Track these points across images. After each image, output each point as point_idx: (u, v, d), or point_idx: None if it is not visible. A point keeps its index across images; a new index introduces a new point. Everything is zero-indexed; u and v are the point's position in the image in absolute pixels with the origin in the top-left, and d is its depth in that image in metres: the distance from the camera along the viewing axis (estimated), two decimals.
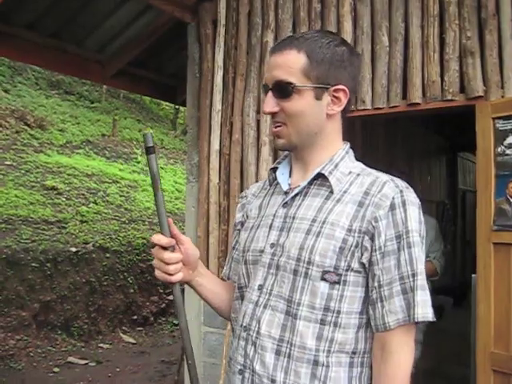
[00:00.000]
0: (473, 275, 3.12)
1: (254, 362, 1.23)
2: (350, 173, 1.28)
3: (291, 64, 1.23)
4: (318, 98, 1.25)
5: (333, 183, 1.25)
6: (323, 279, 1.18)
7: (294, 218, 1.26)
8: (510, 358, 2.76)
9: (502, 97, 2.92)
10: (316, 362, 1.18)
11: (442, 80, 3.11)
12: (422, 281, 1.16)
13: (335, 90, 1.26)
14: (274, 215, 1.30)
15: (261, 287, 1.27)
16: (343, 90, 1.27)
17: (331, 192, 1.25)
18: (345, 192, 1.24)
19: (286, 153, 1.42)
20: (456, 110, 3.20)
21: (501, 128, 2.88)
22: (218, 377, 3.70)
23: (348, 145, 1.35)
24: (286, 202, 1.30)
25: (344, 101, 1.28)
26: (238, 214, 1.49)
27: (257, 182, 3.69)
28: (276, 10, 3.74)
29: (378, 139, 5.43)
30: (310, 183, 1.29)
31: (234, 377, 1.29)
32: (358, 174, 1.28)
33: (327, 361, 1.18)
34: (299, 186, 1.30)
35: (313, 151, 1.30)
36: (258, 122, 3.79)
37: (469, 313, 3.21)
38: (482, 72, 2.99)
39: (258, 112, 3.80)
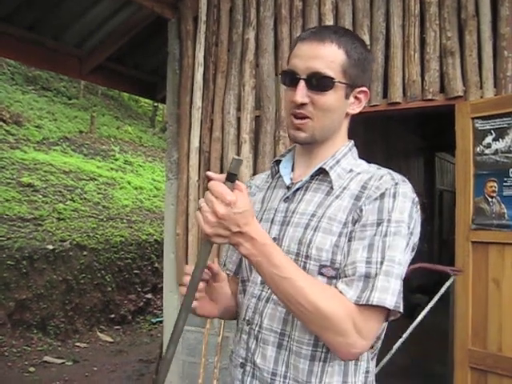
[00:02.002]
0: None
1: (255, 355, 1.24)
2: (351, 171, 1.27)
3: (333, 58, 1.21)
4: (347, 96, 1.26)
5: (333, 178, 1.25)
6: (320, 273, 1.17)
7: (294, 212, 1.25)
8: (486, 355, 2.80)
9: (481, 97, 2.95)
10: (313, 357, 1.18)
11: (423, 79, 3.13)
12: (390, 268, 1.11)
13: (359, 92, 1.28)
14: (276, 210, 1.30)
15: (263, 281, 1.24)
16: (365, 92, 1.29)
17: (331, 188, 1.25)
18: (344, 188, 1.23)
19: (290, 147, 1.41)
20: (436, 109, 3.23)
21: (480, 128, 2.91)
22: (197, 375, 3.68)
23: (352, 142, 1.35)
24: (288, 197, 1.29)
25: (364, 102, 1.30)
26: None
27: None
28: (257, 8, 3.73)
29: (357, 138, 5.45)
30: (312, 178, 1.28)
31: (235, 370, 1.30)
32: (359, 173, 1.27)
33: (324, 356, 1.18)
34: (301, 180, 1.29)
35: (323, 147, 1.30)
36: (239, 120, 3.78)
37: (446, 311, 3.24)
38: (461, 72, 3.02)
39: (238, 109, 3.78)
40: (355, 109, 1.30)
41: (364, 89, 1.29)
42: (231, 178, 1.05)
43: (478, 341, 2.87)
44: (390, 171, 1.25)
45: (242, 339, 1.29)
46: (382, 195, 1.16)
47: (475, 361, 2.85)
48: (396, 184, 1.19)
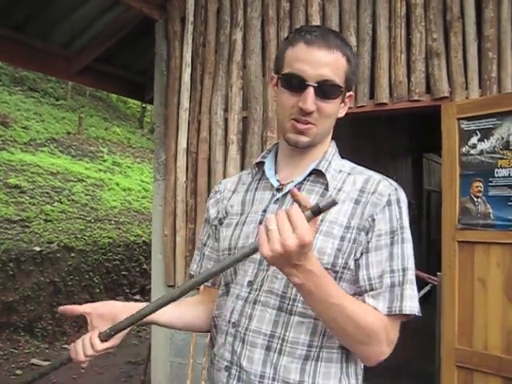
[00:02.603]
0: (438, 273, 3.17)
1: (241, 358, 1.21)
2: (341, 171, 1.29)
3: (340, 67, 1.20)
4: (342, 101, 1.28)
5: (329, 180, 1.25)
6: None
7: None
8: (473, 353, 2.82)
9: (467, 98, 2.98)
10: (307, 357, 1.18)
11: (409, 80, 3.15)
12: (411, 276, 1.18)
13: (348, 96, 1.30)
14: (266, 211, 1.28)
15: (251, 283, 1.24)
16: (351, 96, 1.31)
17: (326, 189, 1.25)
18: (339, 190, 1.24)
19: (269, 148, 1.40)
20: (422, 110, 3.25)
21: (465, 128, 2.94)
22: (186, 376, 3.67)
23: (334, 142, 1.37)
24: (278, 199, 1.27)
25: (348, 105, 1.32)
26: (211, 210, 1.44)
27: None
28: (245, 8, 3.74)
29: (345, 139, 5.49)
30: (304, 179, 1.28)
31: (219, 374, 1.27)
32: (349, 173, 1.28)
33: (318, 356, 1.18)
34: (292, 181, 1.28)
35: (315, 148, 1.30)
36: (226, 121, 3.78)
37: (434, 310, 3.26)
38: (447, 73, 3.05)
39: (225, 110, 3.78)
40: (342, 112, 1.31)
41: (352, 93, 1.31)
42: (316, 213, 0.97)
43: (464, 339, 2.89)
44: (383, 176, 1.27)
45: (226, 342, 1.26)
46: (389, 202, 1.20)
47: (461, 359, 2.88)
48: (396, 190, 1.23)
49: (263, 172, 1.35)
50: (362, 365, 1.29)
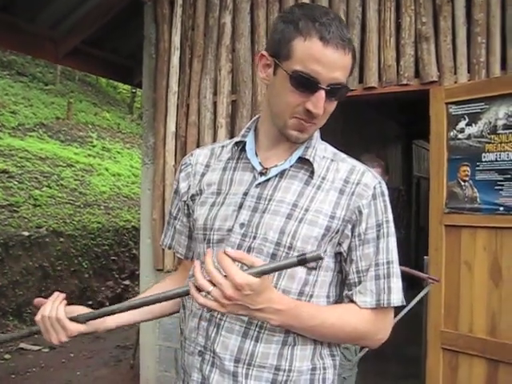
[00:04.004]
0: (425, 257, 3.19)
1: (214, 344, 1.19)
2: (324, 157, 1.27)
3: (349, 66, 1.17)
4: None
5: (315, 168, 1.23)
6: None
7: (270, 199, 1.21)
8: (458, 336, 2.85)
9: (455, 82, 2.98)
10: (285, 343, 1.18)
11: (398, 64, 3.14)
12: (396, 269, 1.21)
13: None
14: (246, 194, 1.24)
15: None
16: None
17: (310, 176, 1.23)
18: (323, 178, 1.23)
19: (248, 124, 1.35)
20: (411, 94, 3.25)
21: (453, 113, 2.94)
22: (174, 360, 3.69)
23: None
24: (260, 182, 1.24)
25: None
26: (182, 183, 1.39)
27: None
28: None
29: (335, 125, 5.47)
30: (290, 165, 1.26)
31: (191, 358, 1.25)
32: (332, 160, 1.27)
33: (295, 340, 1.19)
34: (276, 165, 1.25)
35: None
36: (215, 104, 3.76)
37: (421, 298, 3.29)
38: (436, 57, 3.04)
39: (214, 94, 3.76)
40: None
41: None
42: (302, 262, 0.99)
43: (450, 322, 2.91)
44: (367, 167, 1.27)
45: (200, 326, 1.23)
46: (374, 196, 1.21)
47: (447, 342, 2.90)
48: (379, 182, 1.23)
49: (242, 151, 1.31)
50: (339, 346, 1.31)
